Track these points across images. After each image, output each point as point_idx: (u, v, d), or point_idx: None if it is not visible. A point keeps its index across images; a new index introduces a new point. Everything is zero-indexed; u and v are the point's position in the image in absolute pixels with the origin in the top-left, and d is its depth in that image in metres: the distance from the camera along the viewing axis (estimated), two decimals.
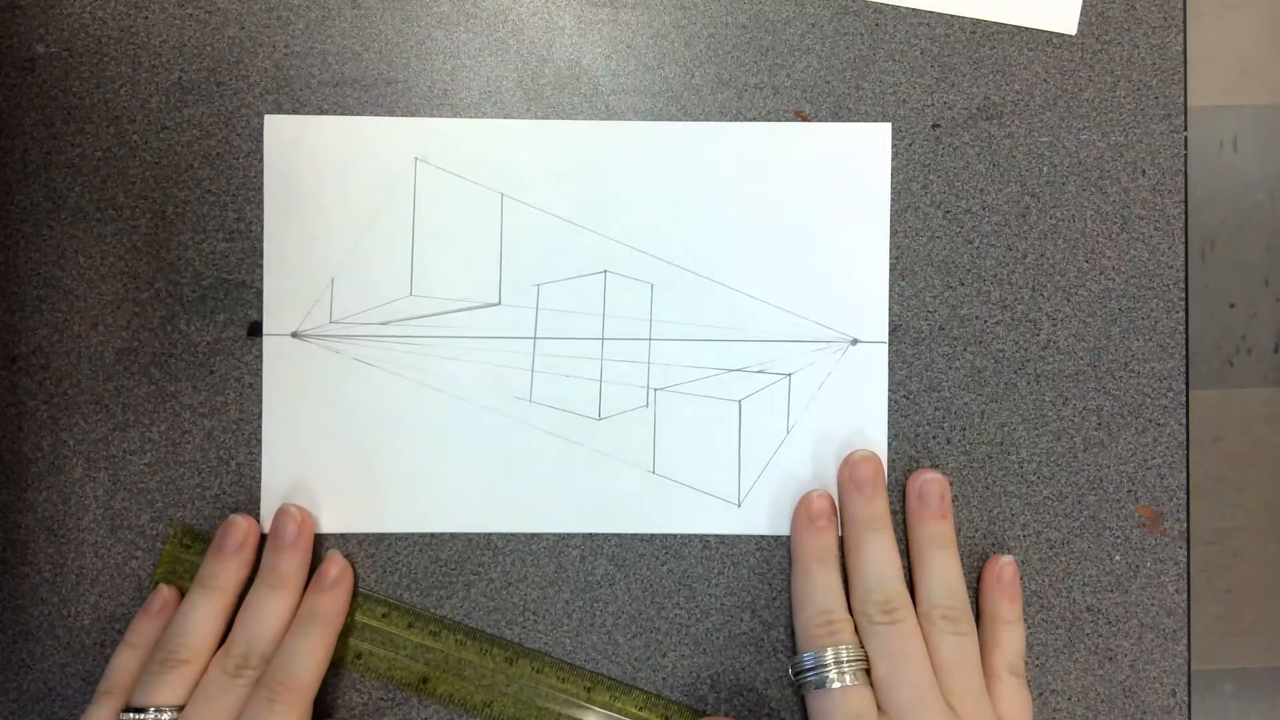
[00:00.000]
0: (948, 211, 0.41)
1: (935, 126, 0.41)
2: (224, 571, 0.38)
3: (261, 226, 0.40)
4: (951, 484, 0.40)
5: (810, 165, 0.40)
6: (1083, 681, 0.40)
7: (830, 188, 0.40)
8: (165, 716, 0.35)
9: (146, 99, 0.40)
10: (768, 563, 0.40)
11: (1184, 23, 0.41)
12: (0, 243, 0.39)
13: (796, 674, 0.37)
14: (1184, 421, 0.41)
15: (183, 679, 0.36)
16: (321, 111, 0.40)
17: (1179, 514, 0.41)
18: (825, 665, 0.36)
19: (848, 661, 0.36)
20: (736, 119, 0.41)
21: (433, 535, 0.40)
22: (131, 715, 0.35)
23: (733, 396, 0.40)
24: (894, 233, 0.41)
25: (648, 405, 0.40)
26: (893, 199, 0.41)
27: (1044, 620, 0.40)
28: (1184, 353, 0.41)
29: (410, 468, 0.40)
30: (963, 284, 0.41)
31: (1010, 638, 0.38)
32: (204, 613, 0.37)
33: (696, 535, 0.40)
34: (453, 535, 0.40)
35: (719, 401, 0.40)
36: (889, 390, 0.40)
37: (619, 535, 0.40)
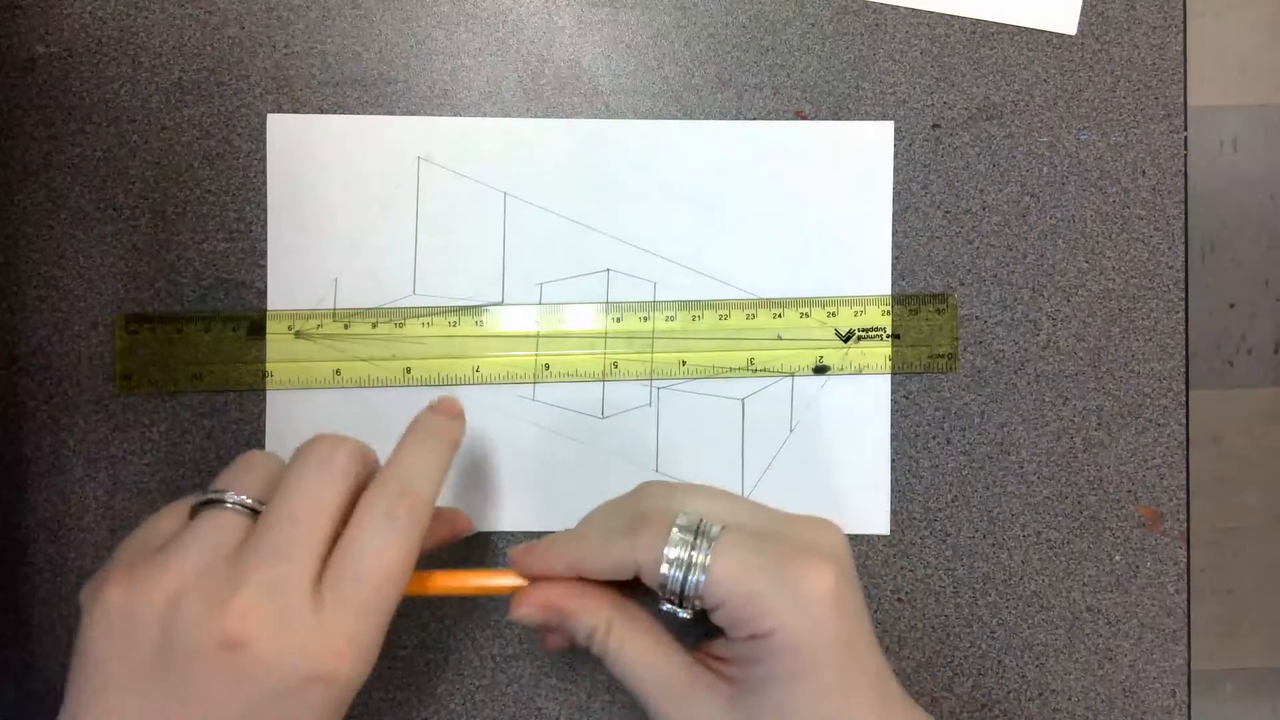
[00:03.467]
0: (948, 211, 0.41)
1: (935, 126, 0.41)
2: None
3: (262, 226, 0.40)
4: (951, 485, 0.40)
5: (813, 164, 0.40)
6: (1083, 681, 0.40)
7: (833, 187, 0.40)
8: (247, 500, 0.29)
9: (146, 99, 0.40)
10: None
11: (1184, 23, 0.41)
12: (0, 243, 0.39)
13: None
14: (1184, 421, 0.41)
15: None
16: (322, 111, 0.40)
17: (1179, 514, 0.41)
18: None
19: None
20: (736, 119, 0.41)
21: None
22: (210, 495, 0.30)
23: (736, 395, 0.40)
24: (894, 232, 0.41)
25: (651, 404, 0.40)
26: (893, 199, 0.41)
27: (1044, 620, 0.40)
28: (1184, 353, 0.41)
29: None
30: (963, 284, 0.41)
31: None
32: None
33: None
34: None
35: (722, 400, 0.40)
36: (890, 390, 0.40)
37: None
